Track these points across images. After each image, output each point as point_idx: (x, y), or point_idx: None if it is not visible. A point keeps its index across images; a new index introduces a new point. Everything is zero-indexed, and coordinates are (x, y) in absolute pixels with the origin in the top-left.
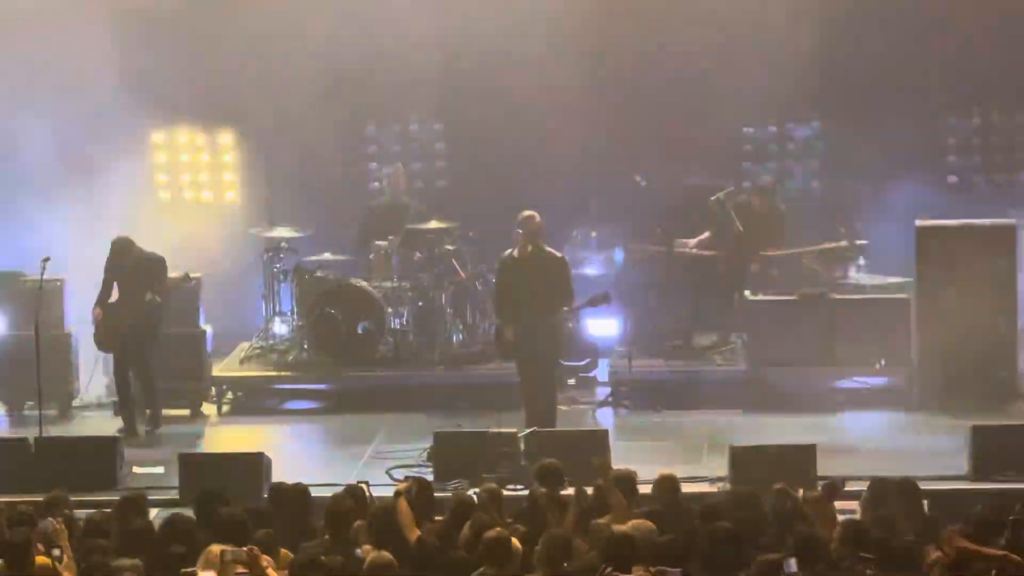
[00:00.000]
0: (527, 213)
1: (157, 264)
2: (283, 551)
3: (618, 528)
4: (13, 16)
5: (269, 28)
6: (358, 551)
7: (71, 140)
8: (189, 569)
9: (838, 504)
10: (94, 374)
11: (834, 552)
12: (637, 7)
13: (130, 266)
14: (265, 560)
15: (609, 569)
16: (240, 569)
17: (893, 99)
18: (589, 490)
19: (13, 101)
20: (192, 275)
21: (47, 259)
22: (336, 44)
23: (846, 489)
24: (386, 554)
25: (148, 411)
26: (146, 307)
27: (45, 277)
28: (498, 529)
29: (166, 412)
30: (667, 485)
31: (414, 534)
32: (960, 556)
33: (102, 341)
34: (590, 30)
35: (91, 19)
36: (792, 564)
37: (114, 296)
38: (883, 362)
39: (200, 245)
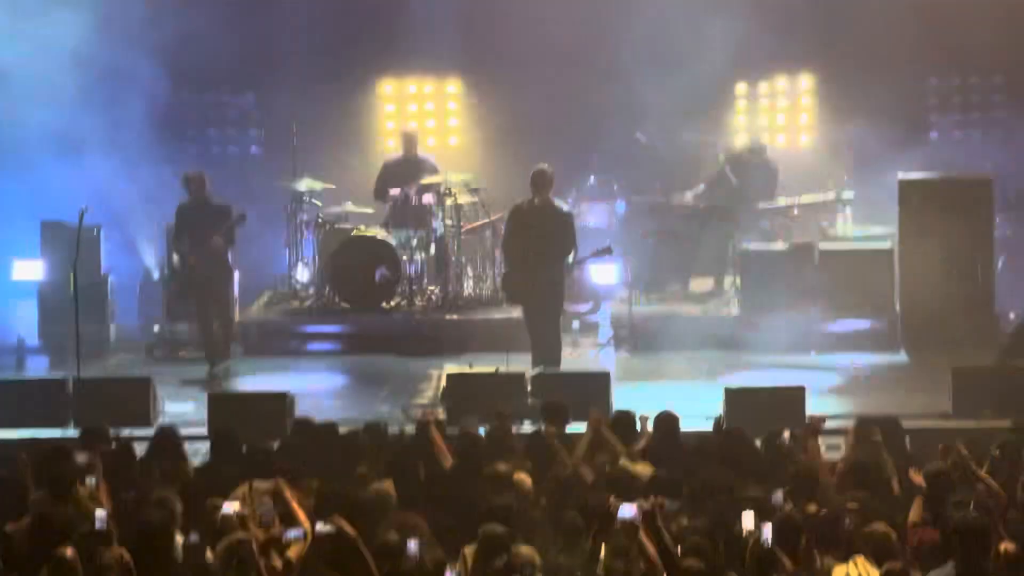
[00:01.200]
0: (538, 167)
1: (224, 209)
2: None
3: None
4: None
5: None
6: (374, 485)
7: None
8: (213, 500)
9: (823, 440)
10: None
11: (837, 489)
12: None
13: (202, 210)
14: (289, 492)
15: (614, 498)
16: (266, 499)
17: (880, 61)
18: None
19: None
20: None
21: (85, 209)
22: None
23: (832, 427)
24: (387, 485)
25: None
26: (221, 251)
27: (84, 225)
28: (502, 465)
29: (195, 355)
30: (666, 424)
31: (448, 461)
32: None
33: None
34: None
35: None
36: (777, 497)
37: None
38: (854, 362)
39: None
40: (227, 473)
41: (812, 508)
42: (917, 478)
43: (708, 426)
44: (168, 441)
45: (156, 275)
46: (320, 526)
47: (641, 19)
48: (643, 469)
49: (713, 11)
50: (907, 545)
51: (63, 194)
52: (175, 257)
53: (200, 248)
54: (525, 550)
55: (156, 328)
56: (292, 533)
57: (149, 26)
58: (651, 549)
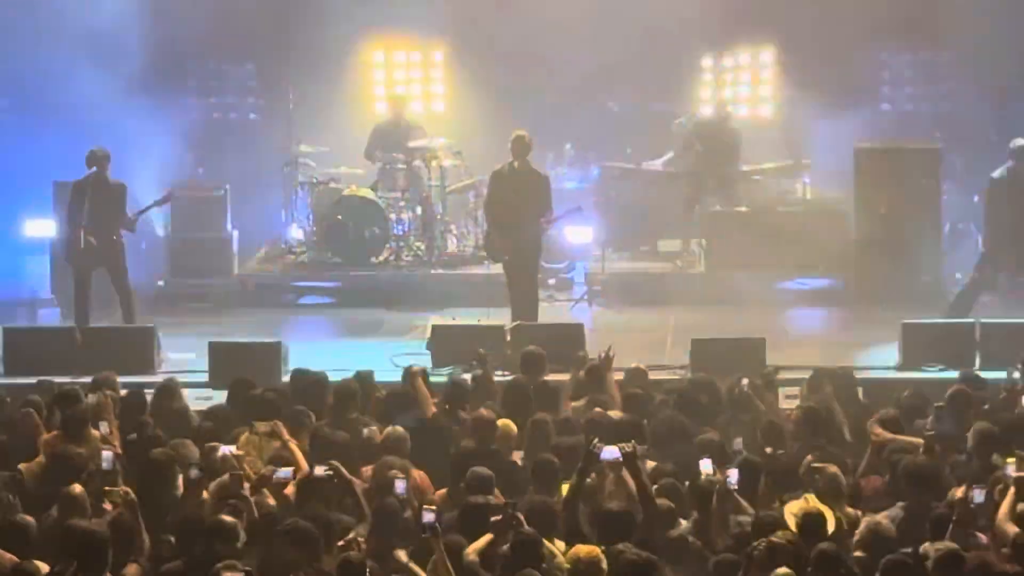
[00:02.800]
0: (517, 133)
1: (121, 187)
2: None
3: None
4: None
5: None
6: (365, 430)
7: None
8: (212, 443)
9: (783, 390)
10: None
11: (792, 435)
12: None
13: (101, 186)
14: (286, 434)
15: (597, 440)
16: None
17: (837, 36)
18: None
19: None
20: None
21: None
22: None
23: (790, 376)
24: (400, 428)
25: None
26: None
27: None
28: (483, 411)
29: (198, 305)
30: (637, 375)
31: (431, 410)
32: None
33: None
34: None
35: None
36: (738, 443)
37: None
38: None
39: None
40: (231, 416)
41: (770, 453)
42: (876, 430)
43: (676, 375)
44: (170, 387)
45: (161, 233)
46: (319, 469)
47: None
48: (614, 414)
49: None
50: (861, 491)
51: (73, 155)
52: (63, 230)
53: (94, 224)
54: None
55: (160, 283)
56: (281, 473)
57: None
58: (631, 485)
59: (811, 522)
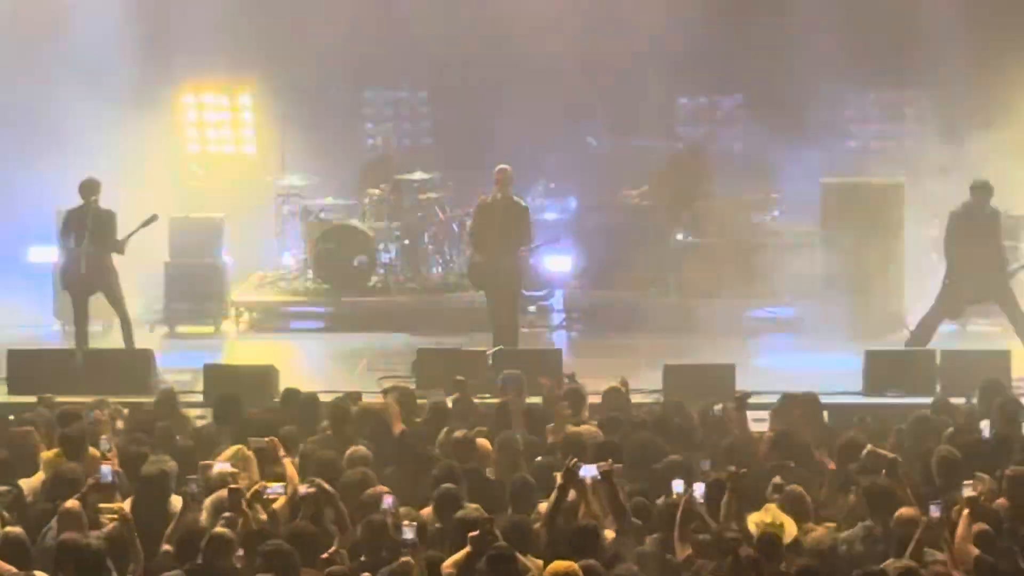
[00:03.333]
0: (500, 166)
1: (110, 215)
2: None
3: (570, 430)
4: None
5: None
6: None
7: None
8: (206, 461)
9: (752, 414)
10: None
11: (763, 456)
12: None
13: (91, 214)
14: (282, 451)
15: (575, 460)
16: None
17: (805, 76)
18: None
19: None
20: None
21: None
22: (340, 18)
23: (759, 401)
24: (362, 447)
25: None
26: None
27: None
28: (463, 431)
29: (192, 328)
30: (614, 396)
31: (398, 428)
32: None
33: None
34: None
35: None
36: (705, 464)
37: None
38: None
39: (222, 190)
40: (224, 435)
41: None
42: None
43: (650, 398)
44: (168, 405)
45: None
46: (303, 487)
47: (597, 44)
48: (590, 434)
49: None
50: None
51: (75, 184)
52: (60, 256)
53: (89, 251)
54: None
55: (157, 307)
56: (273, 489)
57: (159, 35)
58: (594, 505)
59: (769, 534)
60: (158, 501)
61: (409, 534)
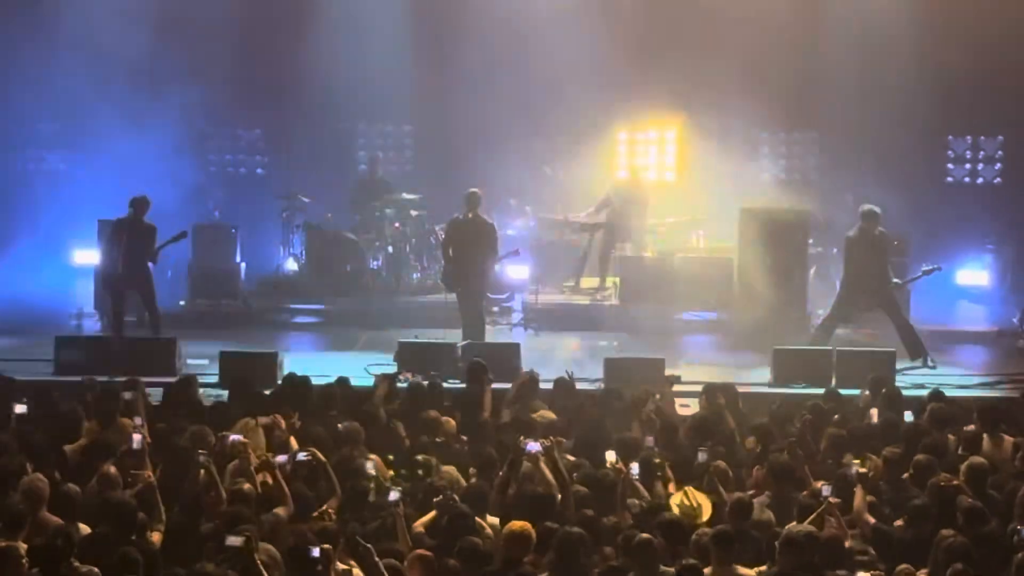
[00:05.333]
0: (471, 190)
1: (151, 228)
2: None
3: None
4: None
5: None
6: (339, 425)
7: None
8: (223, 432)
9: (678, 400)
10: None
11: (684, 438)
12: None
13: (135, 226)
14: (283, 424)
15: (523, 438)
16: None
17: (729, 118)
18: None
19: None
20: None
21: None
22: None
23: (684, 390)
24: (356, 424)
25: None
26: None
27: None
28: (433, 412)
29: (211, 321)
30: (562, 384)
31: (380, 411)
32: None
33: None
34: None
35: None
36: (649, 440)
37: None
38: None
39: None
40: (235, 410)
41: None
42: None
43: (593, 386)
44: (189, 386)
45: (184, 263)
46: (300, 455)
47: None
48: (544, 416)
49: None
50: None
51: (114, 195)
52: (102, 259)
53: (129, 256)
54: (448, 471)
55: (182, 302)
56: (279, 458)
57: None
58: (548, 475)
59: (688, 510)
60: (183, 467)
61: (394, 495)
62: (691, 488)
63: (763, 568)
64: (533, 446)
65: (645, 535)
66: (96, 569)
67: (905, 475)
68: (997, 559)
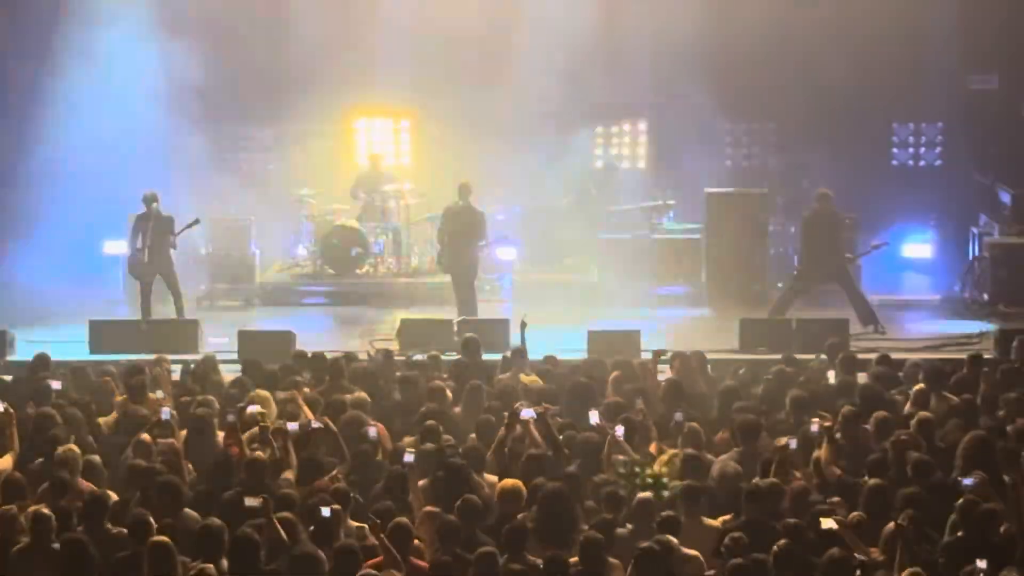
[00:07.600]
0: (463, 180)
1: (169, 219)
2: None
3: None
4: None
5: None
6: (348, 396)
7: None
8: (241, 404)
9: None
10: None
11: (661, 402)
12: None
13: (153, 218)
14: (301, 399)
15: (518, 404)
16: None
17: (694, 110)
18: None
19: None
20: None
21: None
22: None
23: (661, 357)
24: (361, 393)
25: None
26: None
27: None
28: (436, 381)
29: (228, 302)
30: (550, 359)
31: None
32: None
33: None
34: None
35: None
36: (639, 402)
37: None
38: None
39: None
40: (251, 385)
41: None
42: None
43: (579, 356)
44: (210, 362)
45: (203, 251)
46: (313, 423)
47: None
48: (534, 383)
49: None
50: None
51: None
52: (129, 250)
53: (151, 246)
54: (447, 437)
55: (202, 287)
56: (291, 426)
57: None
58: (538, 438)
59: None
60: (206, 436)
61: (409, 457)
62: (670, 450)
63: (727, 517)
64: (528, 412)
65: (644, 494)
66: (125, 531)
67: (863, 429)
68: (943, 504)
